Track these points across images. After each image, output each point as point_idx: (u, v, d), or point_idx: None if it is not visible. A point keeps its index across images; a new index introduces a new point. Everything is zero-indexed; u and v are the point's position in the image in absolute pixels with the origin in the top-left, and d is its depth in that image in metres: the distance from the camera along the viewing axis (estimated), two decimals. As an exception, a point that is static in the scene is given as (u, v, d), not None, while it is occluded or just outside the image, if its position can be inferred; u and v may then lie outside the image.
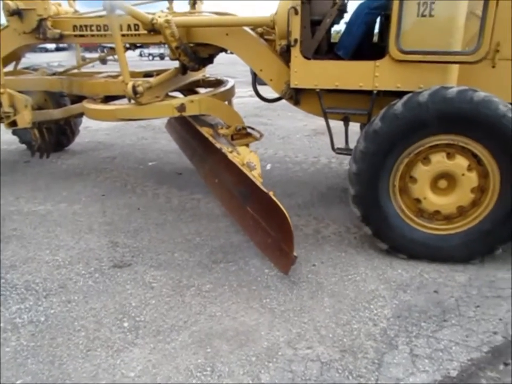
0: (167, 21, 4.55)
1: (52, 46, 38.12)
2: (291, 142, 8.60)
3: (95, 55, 8.72)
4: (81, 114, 6.64)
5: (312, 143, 8.40)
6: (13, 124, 5.96)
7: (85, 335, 3.07)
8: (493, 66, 4.03)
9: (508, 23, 3.87)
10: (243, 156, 4.31)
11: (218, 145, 4.47)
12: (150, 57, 40.32)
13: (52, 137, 7.02)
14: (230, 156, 4.24)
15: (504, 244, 3.80)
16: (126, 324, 3.18)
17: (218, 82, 6.34)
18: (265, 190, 3.63)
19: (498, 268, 3.83)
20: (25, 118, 5.83)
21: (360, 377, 2.66)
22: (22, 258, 4.13)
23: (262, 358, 2.82)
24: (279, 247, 3.69)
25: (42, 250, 4.29)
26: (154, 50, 38.37)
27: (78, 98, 6.37)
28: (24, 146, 7.81)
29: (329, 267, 3.91)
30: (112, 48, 5.94)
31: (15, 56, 6.48)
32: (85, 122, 7.85)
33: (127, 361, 2.83)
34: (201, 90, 6.58)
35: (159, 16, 4.59)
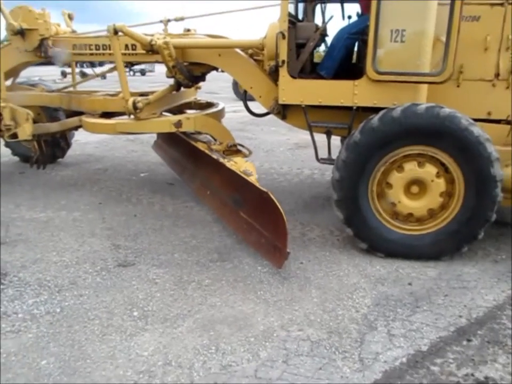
0: (166, 43, 4.99)
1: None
2: (275, 155, 9.07)
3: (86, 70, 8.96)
4: (76, 128, 7.01)
5: (295, 156, 8.88)
6: (13, 136, 6.30)
7: (99, 323, 3.42)
8: (458, 86, 4.57)
9: (470, 47, 4.42)
10: (239, 165, 4.69)
11: (215, 156, 4.87)
12: (131, 73, 40.56)
13: (48, 149, 7.34)
14: (228, 164, 4.62)
15: (470, 243, 4.29)
16: (135, 313, 3.54)
17: (208, 105, 6.79)
18: (263, 189, 3.96)
19: (465, 263, 4.32)
20: (26, 131, 6.18)
21: (345, 352, 3.07)
22: (30, 259, 4.43)
23: (260, 339, 3.21)
24: (273, 245, 4.07)
25: (49, 252, 4.60)
26: (136, 65, 38.45)
27: (72, 113, 6.75)
28: (16, 158, 8.12)
29: (315, 264, 4.33)
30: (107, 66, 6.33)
31: (14, 72, 6.84)
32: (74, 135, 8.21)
33: (140, 343, 3.18)
34: (192, 112, 7.02)
35: (158, 38, 5.03)
